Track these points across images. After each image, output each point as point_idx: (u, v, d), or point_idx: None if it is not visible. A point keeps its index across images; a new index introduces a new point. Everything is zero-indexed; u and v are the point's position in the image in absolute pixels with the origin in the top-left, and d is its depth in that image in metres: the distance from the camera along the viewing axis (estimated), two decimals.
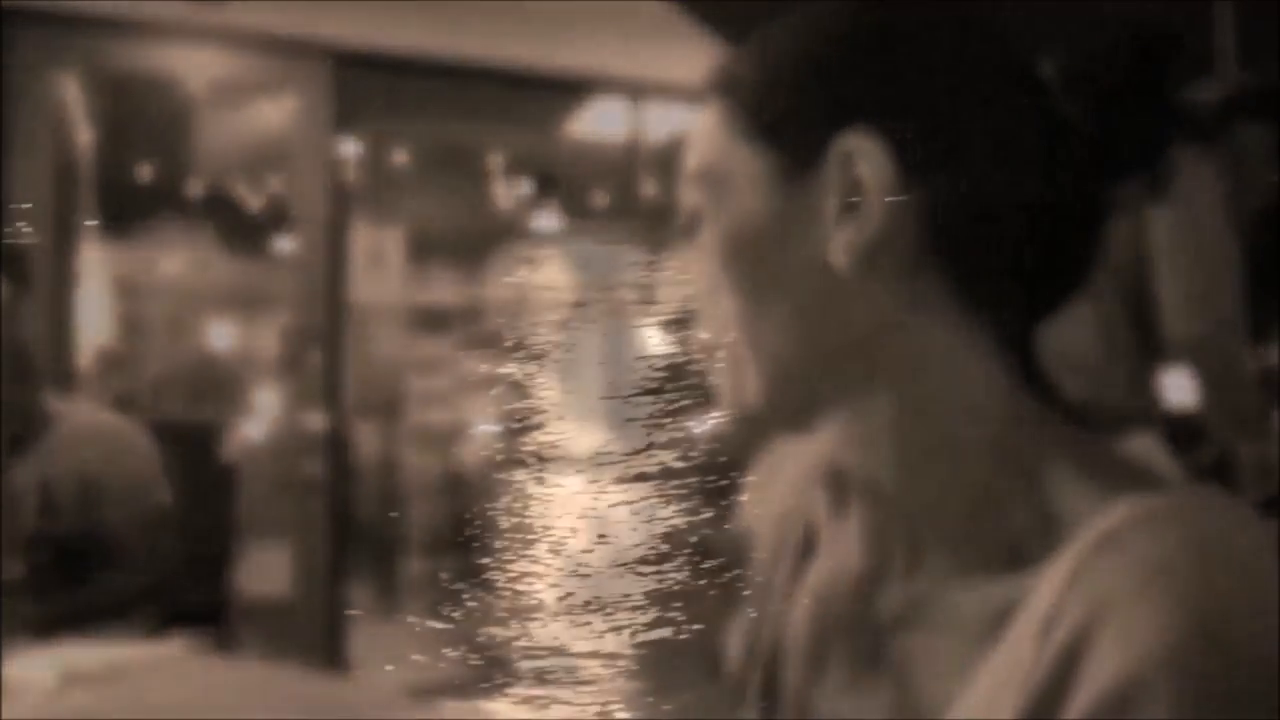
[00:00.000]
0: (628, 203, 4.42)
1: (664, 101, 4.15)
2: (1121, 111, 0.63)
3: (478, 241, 4.71)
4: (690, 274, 0.70)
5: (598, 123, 4.47)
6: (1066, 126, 0.63)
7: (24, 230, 2.80)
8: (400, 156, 4.92)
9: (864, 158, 0.61)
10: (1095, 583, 0.53)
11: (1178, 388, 1.94)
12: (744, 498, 0.84)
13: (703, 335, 0.70)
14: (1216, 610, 0.50)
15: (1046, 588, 0.55)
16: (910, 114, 0.61)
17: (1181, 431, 1.88)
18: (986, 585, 0.60)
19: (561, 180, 4.81)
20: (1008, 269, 0.63)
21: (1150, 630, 0.50)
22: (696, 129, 0.69)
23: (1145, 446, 1.74)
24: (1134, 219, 1.82)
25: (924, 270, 0.62)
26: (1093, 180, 0.63)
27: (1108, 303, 1.89)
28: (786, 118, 0.64)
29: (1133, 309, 1.89)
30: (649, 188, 4.35)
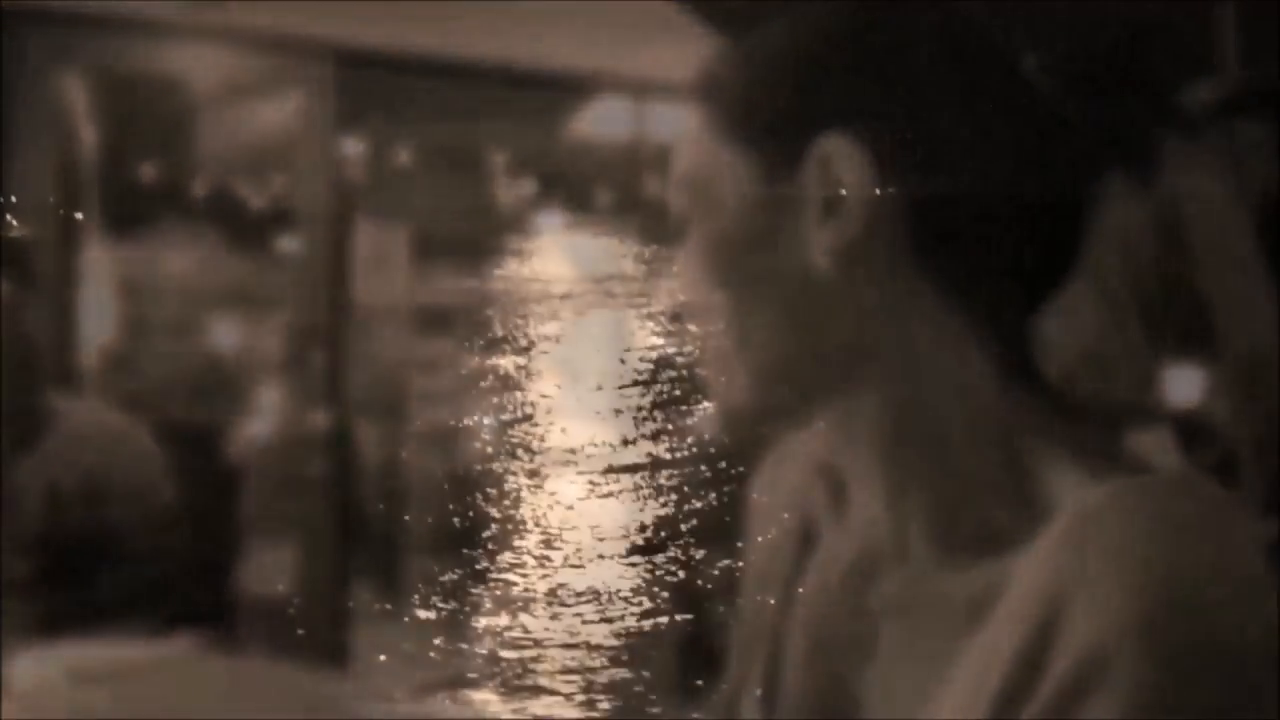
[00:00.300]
0: (630, 201, 4.43)
1: (667, 100, 4.15)
2: (1108, 105, 0.64)
3: (481, 240, 4.71)
4: (680, 274, 0.71)
5: (600, 122, 4.47)
6: (1052, 121, 0.63)
7: (27, 230, 2.80)
8: (403, 156, 4.93)
9: (843, 159, 0.62)
10: (1070, 560, 0.54)
11: (1184, 385, 1.93)
12: (745, 491, 0.85)
13: (694, 332, 0.71)
14: (1185, 583, 0.52)
15: (1026, 570, 0.56)
16: (892, 114, 0.62)
17: (1185, 430, 1.88)
18: (974, 573, 0.61)
19: (564, 179, 4.81)
20: (993, 264, 0.64)
21: (1120, 601, 0.51)
22: (682, 133, 0.70)
23: (1154, 442, 1.74)
24: (1144, 213, 1.82)
25: (908, 268, 0.63)
26: (1078, 175, 0.64)
27: (1117, 298, 1.88)
28: (768, 121, 0.65)
29: (1144, 305, 1.89)
30: (652, 186, 4.35)
